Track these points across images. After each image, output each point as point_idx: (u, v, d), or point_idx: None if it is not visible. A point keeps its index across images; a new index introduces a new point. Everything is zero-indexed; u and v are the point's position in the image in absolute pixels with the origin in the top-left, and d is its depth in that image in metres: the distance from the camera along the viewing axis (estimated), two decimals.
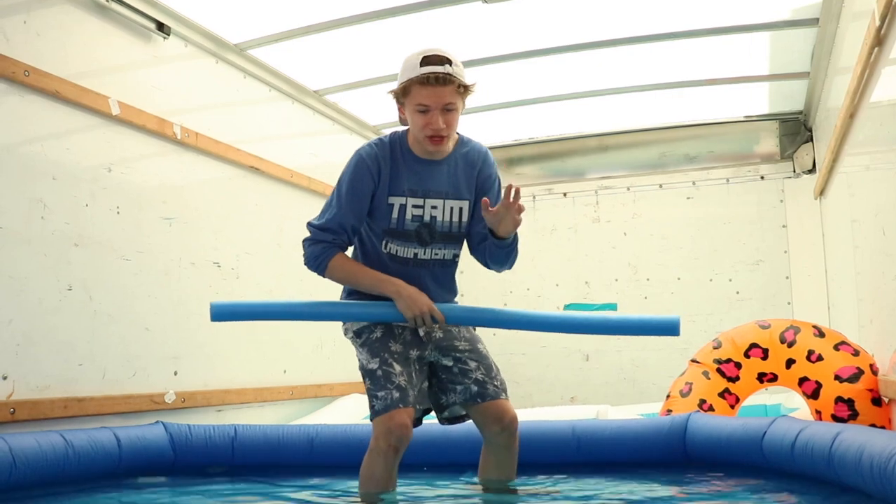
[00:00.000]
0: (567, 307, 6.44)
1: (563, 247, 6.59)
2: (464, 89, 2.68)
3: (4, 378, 3.14)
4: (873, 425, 3.42)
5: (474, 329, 2.88)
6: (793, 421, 2.93)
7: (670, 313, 6.38)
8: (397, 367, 2.65)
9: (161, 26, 4.05)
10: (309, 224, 2.77)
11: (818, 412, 3.69)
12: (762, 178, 6.24)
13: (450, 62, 2.64)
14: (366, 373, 2.68)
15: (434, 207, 2.78)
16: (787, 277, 6.03)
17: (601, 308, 6.36)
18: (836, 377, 3.65)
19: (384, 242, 2.77)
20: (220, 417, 4.20)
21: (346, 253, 2.79)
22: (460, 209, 2.82)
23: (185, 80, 4.29)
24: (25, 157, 3.35)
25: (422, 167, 2.77)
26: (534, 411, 4.40)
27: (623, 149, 6.57)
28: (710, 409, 3.87)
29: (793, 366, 3.83)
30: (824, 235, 5.72)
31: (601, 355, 6.35)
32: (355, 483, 2.71)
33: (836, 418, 3.57)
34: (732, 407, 3.96)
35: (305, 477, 3.29)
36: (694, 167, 6.40)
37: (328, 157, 5.58)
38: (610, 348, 6.35)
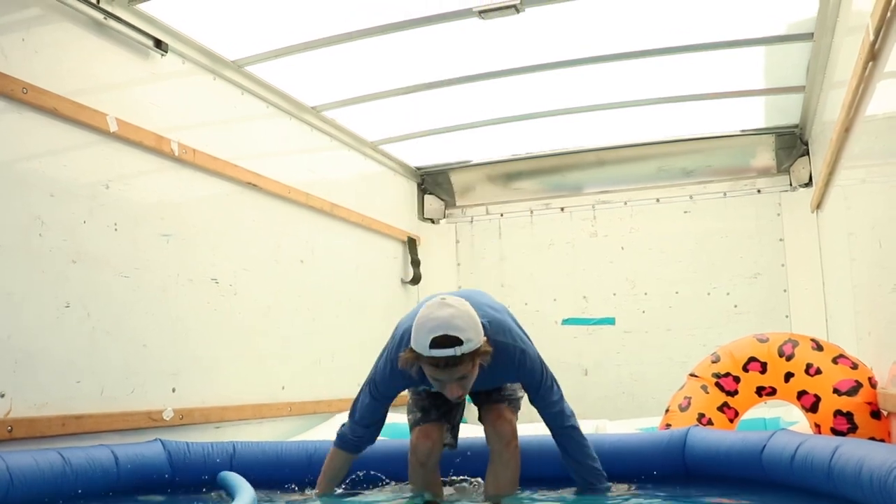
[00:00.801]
0: (565, 322, 6.44)
1: (561, 261, 6.59)
2: (479, 355, 2.66)
3: (2, 396, 3.13)
4: (873, 438, 3.41)
5: (523, 386, 3.09)
6: (792, 434, 2.92)
7: (669, 328, 6.44)
8: (425, 394, 3.12)
9: (158, 43, 4.06)
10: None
11: (817, 425, 3.68)
12: (759, 191, 6.26)
13: (460, 342, 2.56)
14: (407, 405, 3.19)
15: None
16: (785, 290, 6.03)
17: (599, 322, 6.37)
18: (835, 390, 3.65)
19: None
20: (218, 434, 4.19)
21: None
22: (491, 390, 3.10)
23: (183, 97, 4.30)
24: (23, 174, 3.35)
25: None
26: (533, 426, 4.38)
27: (620, 163, 6.58)
28: (709, 423, 3.86)
29: (791, 379, 3.83)
30: (821, 248, 5.73)
31: (600, 369, 6.34)
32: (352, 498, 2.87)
33: (835, 431, 3.56)
34: (731, 421, 3.95)
35: (304, 493, 3.28)
36: (691, 181, 6.41)
37: (326, 173, 5.59)
38: (609, 362, 6.35)
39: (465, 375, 2.66)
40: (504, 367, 2.87)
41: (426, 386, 2.95)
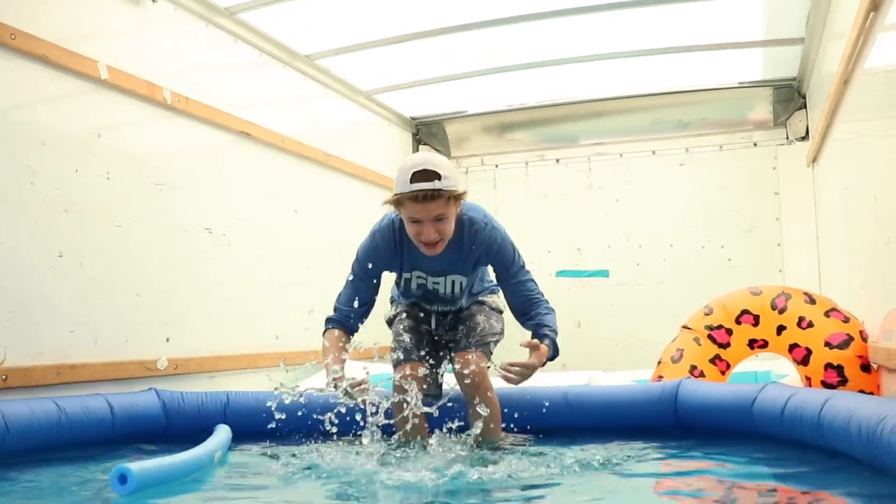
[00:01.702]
0: (559, 274, 6.46)
1: (556, 213, 6.59)
2: (455, 198, 2.86)
3: None
4: (862, 391, 3.44)
5: (491, 302, 3.29)
6: (782, 387, 2.95)
7: (662, 280, 6.45)
8: (406, 336, 3.22)
9: None
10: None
11: (808, 378, 3.71)
12: (755, 144, 6.24)
13: (439, 176, 2.79)
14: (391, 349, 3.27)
15: (435, 282, 3.17)
16: (779, 244, 6.04)
17: (593, 275, 6.39)
18: (827, 344, 3.68)
19: (400, 296, 3.35)
20: (212, 384, 4.21)
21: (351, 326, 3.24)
22: (460, 282, 3.19)
23: (175, 45, 4.24)
24: (13, 123, 3.32)
25: (422, 253, 3.04)
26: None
27: (616, 115, 6.54)
28: (701, 375, 3.89)
29: (783, 332, 3.85)
30: (816, 203, 5.73)
31: (594, 321, 6.37)
32: (347, 448, 2.88)
33: (825, 385, 3.60)
34: (723, 373, 3.98)
35: (299, 443, 3.30)
36: (687, 134, 6.38)
37: (320, 122, 5.55)
38: (602, 315, 6.38)
39: (441, 216, 2.85)
40: (475, 240, 3.03)
41: (406, 269, 3.14)
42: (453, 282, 3.19)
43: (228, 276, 4.51)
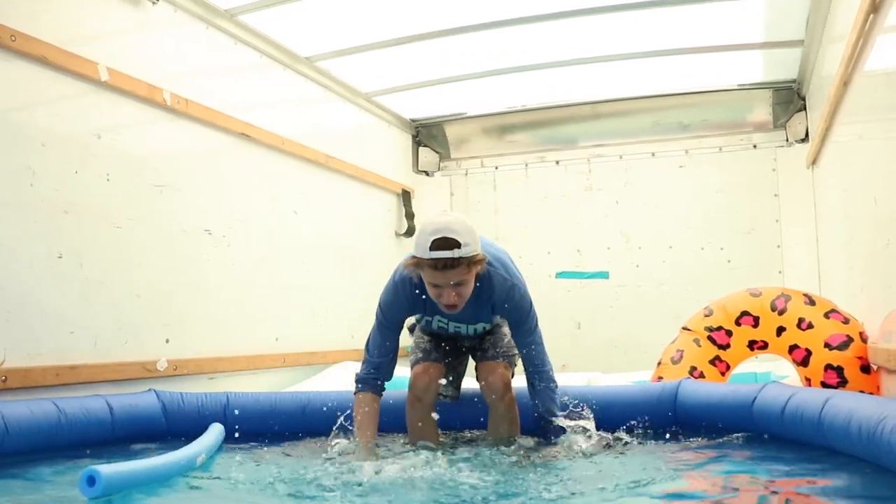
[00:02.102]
0: (559, 275, 6.46)
1: (556, 215, 6.59)
2: (474, 264, 2.83)
3: None
4: (862, 392, 3.44)
5: (507, 320, 3.19)
6: (783, 387, 2.95)
7: (662, 282, 6.45)
8: (426, 338, 3.30)
9: None
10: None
11: (808, 380, 3.71)
12: (755, 146, 6.24)
13: (458, 244, 2.74)
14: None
15: (457, 327, 3.19)
16: (779, 246, 6.04)
17: (593, 276, 6.39)
18: (826, 345, 3.68)
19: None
20: (212, 385, 4.21)
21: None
22: (483, 327, 3.24)
23: (175, 47, 4.24)
24: (13, 124, 3.32)
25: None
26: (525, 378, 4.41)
27: (616, 117, 6.54)
28: (701, 376, 3.89)
29: (783, 333, 3.85)
30: (816, 204, 5.73)
31: (593, 323, 6.37)
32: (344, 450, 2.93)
33: (825, 385, 3.60)
34: (723, 374, 3.98)
35: (297, 444, 3.31)
36: (687, 135, 6.38)
37: (320, 124, 5.55)
38: (602, 316, 6.37)
39: (461, 282, 2.82)
40: (494, 295, 3.01)
41: (428, 314, 3.14)
42: (475, 329, 3.23)
43: (228, 277, 4.51)
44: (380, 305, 3.13)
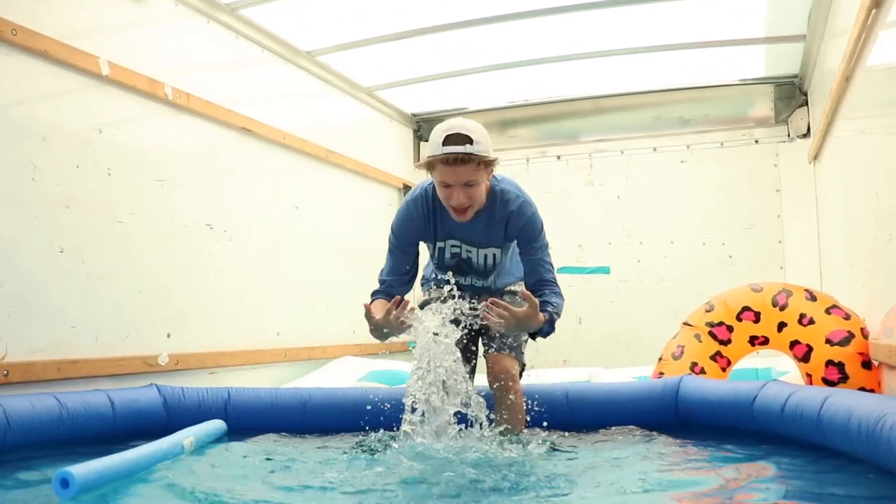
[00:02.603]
0: (560, 270, 6.44)
1: (557, 210, 6.56)
2: (486, 164, 2.86)
3: None
4: (863, 388, 3.45)
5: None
6: (783, 385, 2.95)
7: (663, 277, 6.45)
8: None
9: None
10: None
11: (809, 375, 3.71)
12: (756, 142, 6.23)
13: (471, 140, 2.79)
14: None
15: (469, 251, 3.17)
16: (780, 242, 6.04)
17: (594, 271, 6.39)
18: (828, 341, 3.68)
19: (433, 272, 3.32)
20: (213, 380, 4.21)
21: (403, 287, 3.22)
22: (493, 254, 3.20)
23: (176, 41, 4.24)
24: (14, 118, 3.32)
25: (456, 222, 3.07)
26: (526, 373, 4.41)
27: (617, 112, 6.54)
28: (702, 371, 3.89)
29: (784, 329, 3.85)
30: (817, 200, 5.72)
31: (594, 318, 6.37)
32: (347, 445, 2.88)
33: (826, 381, 3.60)
34: (724, 370, 3.98)
35: (298, 440, 3.31)
36: (688, 131, 6.38)
37: (321, 119, 5.55)
38: (603, 311, 6.37)
39: (471, 182, 2.86)
40: (507, 210, 3.04)
41: (440, 237, 3.13)
42: (486, 255, 3.20)
43: (229, 272, 4.51)
44: (392, 229, 3.18)
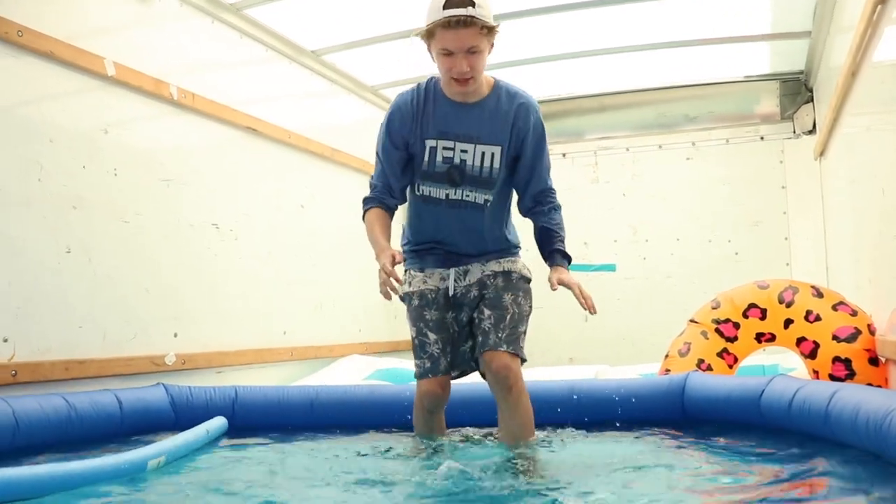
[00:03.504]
0: None
1: (563, 207, 6.56)
2: (487, 30, 2.70)
3: (5, 341, 3.15)
4: (870, 384, 3.44)
5: (518, 270, 3.00)
6: (790, 380, 2.94)
7: (669, 274, 6.44)
8: (432, 336, 2.91)
9: None
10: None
11: (815, 372, 3.71)
12: (762, 138, 6.22)
13: (472, 4, 2.63)
14: (411, 339, 2.98)
15: (464, 151, 2.85)
16: (786, 238, 6.03)
17: (600, 269, 6.37)
18: (834, 337, 3.67)
19: (418, 185, 2.92)
20: (220, 379, 4.22)
21: (392, 207, 2.99)
22: (492, 154, 2.87)
23: (181, 41, 4.25)
24: (21, 119, 3.33)
25: (454, 110, 2.84)
26: (532, 371, 4.42)
27: (622, 109, 6.53)
28: (709, 368, 3.89)
29: (791, 326, 3.84)
30: (823, 196, 5.71)
31: (600, 316, 6.29)
32: (354, 443, 2.94)
33: (833, 378, 3.59)
34: (731, 367, 3.98)
35: (306, 438, 3.32)
36: (693, 127, 6.37)
37: (326, 117, 5.55)
38: (609, 309, 6.35)
39: (474, 49, 2.69)
40: (515, 105, 2.89)
41: (433, 134, 2.86)
42: (483, 153, 2.86)
43: (236, 271, 4.52)
44: (381, 126, 2.97)
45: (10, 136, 3.27)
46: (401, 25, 5.05)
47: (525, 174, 2.98)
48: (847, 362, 3.60)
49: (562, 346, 6.27)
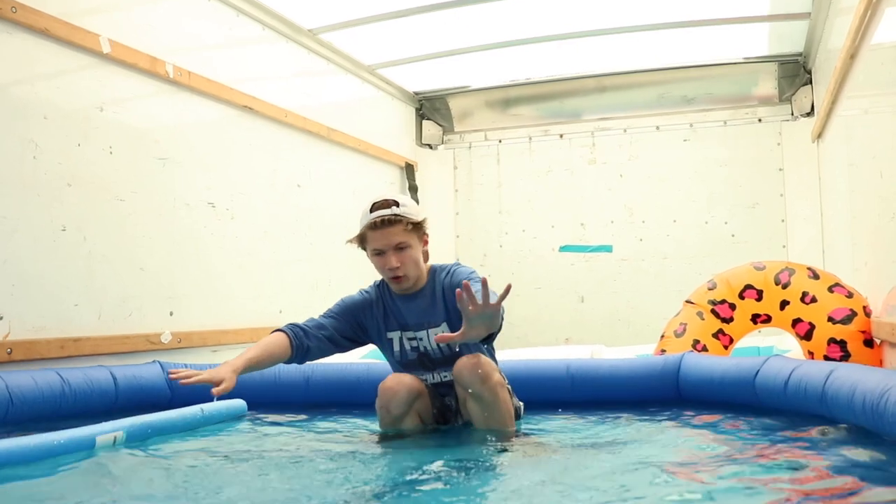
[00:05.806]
0: (562, 249, 6.45)
1: (559, 188, 6.57)
2: (413, 227, 2.83)
3: (0, 318, 3.15)
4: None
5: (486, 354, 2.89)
6: (786, 360, 2.95)
7: (666, 256, 6.43)
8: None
9: None
10: None
11: (811, 353, 3.72)
12: (760, 120, 6.21)
13: (396, 204, 2.81)
14: None
15: (420, 339, 2.92)
16: (783, 220, 6.03)
17: (596, 250, 6.38)
18: (830, 319, 3.68)
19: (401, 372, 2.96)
20: (215, 357, 4.22)
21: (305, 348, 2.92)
22: (442, 332, 2.84)
23: (177, 19, 4.22)
24: (15, 97, 3.31)
25: (404, 303, 2.94)
26: (528, 351, 4.43)
27: (620, 90, 6.51)
28: (704, 349, 3.90)
29: (787, 307, 3.85)
30: (821, 179, 5.71)
31: (596, 296, 6.38)
32: (350, 419, 2.99)
33: (828, 359, 3.60)
34: (726, 348, 3.99)
35: (301, 414, 3.32)
36: (691, 109, 6.36)
37: (323, 97, 5.53)
38: (605, 290, 6.38)
39: (403, 244, 2.81)
40: (441, 280, 2.91)
41: (391, 327, 2.92)
42: (434, 335, 2.81)
43: (231, 250, 4.51)
44: (346, 302, 3.00)
45: (4, 113, 3.25)
46: (398, 4, 5.02)
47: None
48: (842, 344, 3.61)
49: (558, 327, 6.28)
